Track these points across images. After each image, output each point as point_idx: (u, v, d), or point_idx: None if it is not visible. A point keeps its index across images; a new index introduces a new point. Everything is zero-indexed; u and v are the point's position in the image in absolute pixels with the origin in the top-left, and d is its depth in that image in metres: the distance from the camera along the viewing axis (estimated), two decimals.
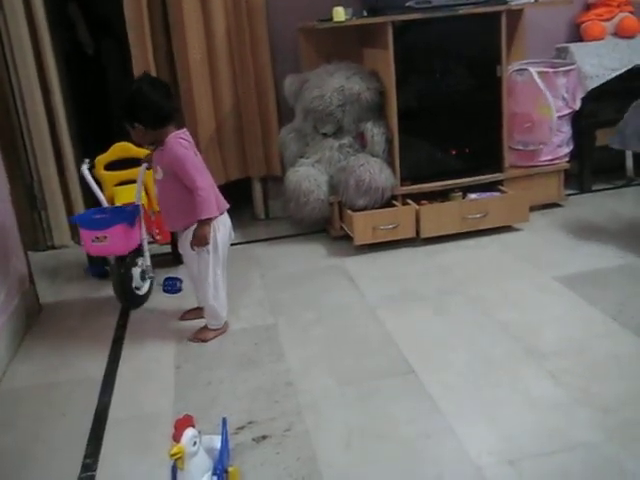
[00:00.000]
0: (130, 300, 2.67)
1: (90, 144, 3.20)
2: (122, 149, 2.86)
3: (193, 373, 2.15)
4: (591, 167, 3.62)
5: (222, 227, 2.29)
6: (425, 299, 2.53)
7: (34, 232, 3.45)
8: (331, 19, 3.04)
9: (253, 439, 1.78)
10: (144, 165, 2.49)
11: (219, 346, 2.32)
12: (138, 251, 2.65)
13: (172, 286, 2.74)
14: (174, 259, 2.98)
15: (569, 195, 3.51)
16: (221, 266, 2.32)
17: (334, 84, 3.07)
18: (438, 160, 3.20)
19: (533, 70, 3.18)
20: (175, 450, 1.43)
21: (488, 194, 3.19)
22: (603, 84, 3.39)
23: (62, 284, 3.03)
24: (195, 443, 1.47)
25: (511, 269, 2.74)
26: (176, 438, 1.45)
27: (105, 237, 2.48)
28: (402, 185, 3.15)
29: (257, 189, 3.67)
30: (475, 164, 3.23)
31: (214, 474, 1.51)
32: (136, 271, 2.65)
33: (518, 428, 1.73)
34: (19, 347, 2.44)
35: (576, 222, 3.19)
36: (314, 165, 3.15)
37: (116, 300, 2.66)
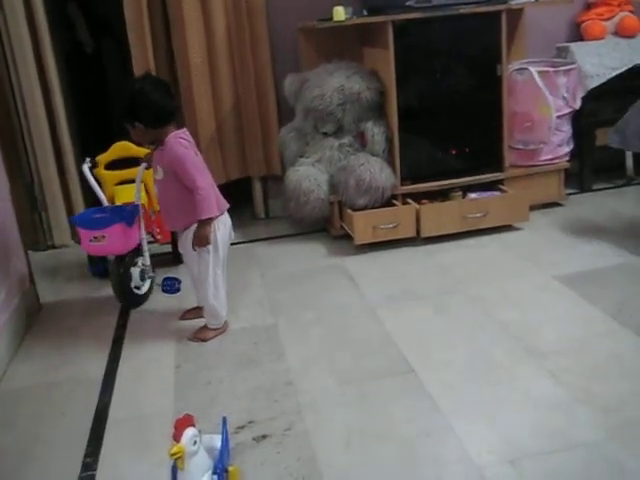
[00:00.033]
0: (129, 300, 2.67)
1: (90, 144, 3.19)
2: (122, 148, 2.86)
3: (193, 373, 2.15)
4: (591, 166, 3.61)
5: (222, 227, 2.29)
6: (425, 298, 2.53)
7: (34, 232, 3.44)
8: (331, 19, 3.04)
9: (253, 438, 1.78)
10: (143, 165, 2.49)
11: (219, 346, 2.32)
12: (137, 251, 2.65)
13: (170, 286, 2.73)
14: (174, 259, 2.98)
15: (569, 194, 3.51)
16: (221, 266, 2.32)
17: (334, 83, 3.06)
18: (438, 159, 3.20)
19: (533, 69, 3.18)
20: (175, 450, 1.43)
21: (488, 193, 3.19)
22: (603, 83, 3.39)
23: (62, 284, 3.03)
24: (195, 442, 1.47)
25: (511, 268, 2.74)
26: (176, 438, 1.45)
27: (103, 237, 2.48)
28: (402, 184, 3.15)
29: (257, 188, 3.67)
30: (475, 163, 3.22)
31: (214, 473, 1.51)
32: (135, 271, 2.65)
33: (518, 427, 1.73)
34: (19, 347, 2.44)
35: (576, 221, 3.19)
36: (314, 164, 3.15)
37: (116, 300, 2.66)
